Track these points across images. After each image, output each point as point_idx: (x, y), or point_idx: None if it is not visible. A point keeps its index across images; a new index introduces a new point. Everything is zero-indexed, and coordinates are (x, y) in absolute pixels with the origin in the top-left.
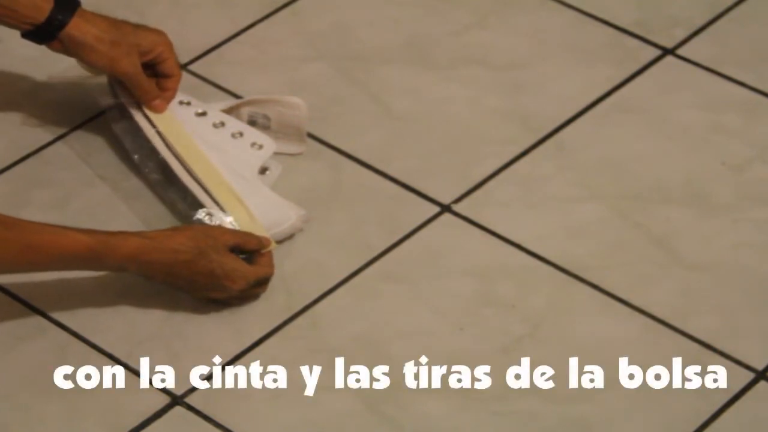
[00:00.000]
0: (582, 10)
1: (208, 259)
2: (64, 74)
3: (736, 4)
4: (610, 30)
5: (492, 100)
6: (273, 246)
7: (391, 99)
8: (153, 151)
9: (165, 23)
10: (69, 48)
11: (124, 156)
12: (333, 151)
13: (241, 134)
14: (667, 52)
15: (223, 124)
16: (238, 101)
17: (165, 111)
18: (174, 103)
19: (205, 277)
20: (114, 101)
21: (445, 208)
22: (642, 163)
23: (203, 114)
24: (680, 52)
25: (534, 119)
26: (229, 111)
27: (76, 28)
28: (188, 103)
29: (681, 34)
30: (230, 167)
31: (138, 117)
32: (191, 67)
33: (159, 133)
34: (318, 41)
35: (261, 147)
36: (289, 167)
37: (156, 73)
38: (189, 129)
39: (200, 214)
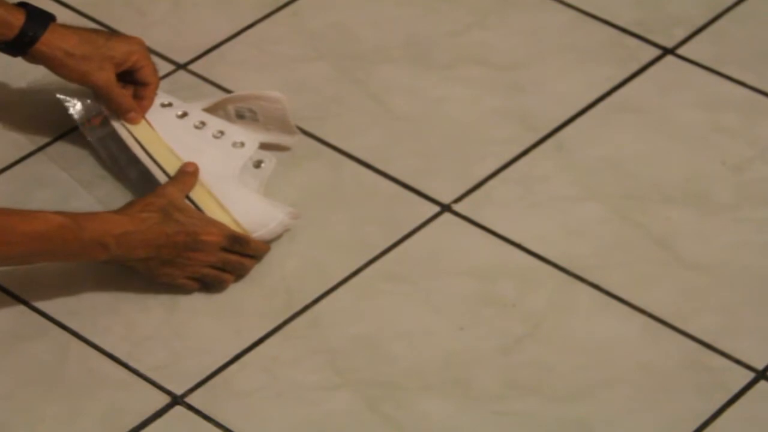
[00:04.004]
0: (582, 10)
1: (174, 218)
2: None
3: (736, 4)
4: (610, 30)
5: (492, 100)
6: (267, 248)
7: (391, 99)
8: (133, 161)
9: (165, 22)
10: (40, 62)
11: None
12: (333, 151)
13: (222, 133)
14: (667, 51)
15: (204, 124)
16: (219, 99)
17: (141, 120)
18: (155, 105)
19: (181, 235)
20: (93, 112)
21: (445, 208)
22: (642, 163)
23: (184, 115)
24: (680, 51)
25: (534, 119)
26: (213, 108)
27: (45, 44)
28: (169, 105)
29: (681, 33)
30: (211, 171)
31: (116, 127)
32: (191, 67)
33: (138, 142)
34: (318, 41)
35: (243, 145)
36: (288, 166)
37: (133, 81)
38: (169, 133)
39: None
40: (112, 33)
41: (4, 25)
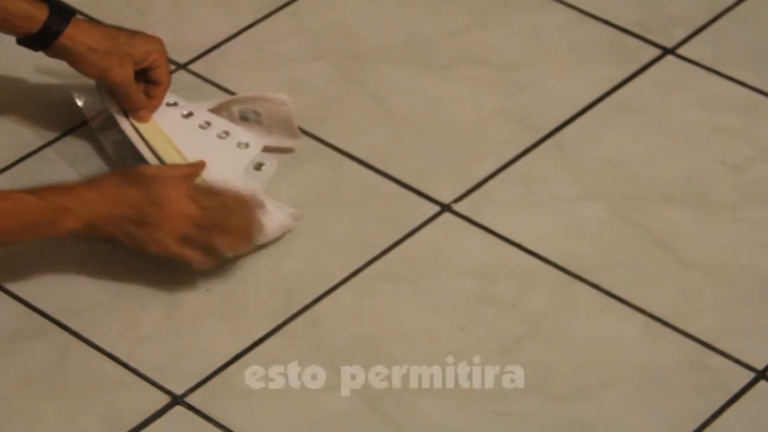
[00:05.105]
0: (582, 10)
1: (130, 177)
2: (60, 74)
3: (736, 4)
4: (610, 30)
5: (492, 100)
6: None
7: (391, 99)
8: (139, 159)
9: (165, 22)
10: (61, 56)
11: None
12: (333, 151)
13: (227, 134)
14: (667, 51)
15: (209, 124)
16: (226, 99)
17: (150, 119)
18: (161, 105)
19: (140, 188)
20: (101, 108)
21: (445, 208)
22: (642, 163)
23: (189, 115)
24: (680, 51)
25: (534, 119)
26: (218, 109)
27: (69, 38)
28: (175, 104)
29: (681, 33)
30: (216, 171)
31: (124, 125)
32: (191, 67)
33: (144, 141)
34: (318, 41)
35: (247, 146)
36: (289, 167)
37: (146, 79)
38: (174, 132)
39: None
40: (134, 31)
41: (27, 19)
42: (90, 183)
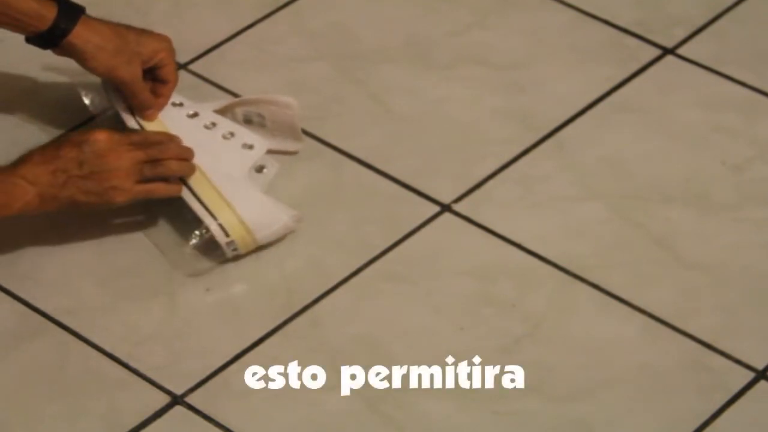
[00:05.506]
0: (582, 10)
1: (62, 142)
2: (65, 72)
3: (736, 4)
4: (610, 30)
5: (492, 100)
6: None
7: (391, 99)
8: None
9: (165, 22)
10: (70, 55)
11: None
12: (333, 151)
13: (232, 134)
14: (667, 51)
15: (214, 124)
16: (231, 101)
17: (157, 118)
18: (167, 104)
19: (68, 140)
20: (107, 106)
21: (445, 208)
22: (642, 163)
23: (195, 115)
24: (680, 51)
25: (534, 119)
26: (223, 111)
27: (78, 36)
28: (181, 104)
29: (681, 33)
30: (220, 170)
31: (131, 123)
32: (191, 67)
33: None
34: (318, 41)
35: (252, 147)
36: (289, 167)
37: (153, 77)
38: (180, 131)
39: (195, 238)
40: (142, 29)
41: (36, 18)
42: (27, 158)
